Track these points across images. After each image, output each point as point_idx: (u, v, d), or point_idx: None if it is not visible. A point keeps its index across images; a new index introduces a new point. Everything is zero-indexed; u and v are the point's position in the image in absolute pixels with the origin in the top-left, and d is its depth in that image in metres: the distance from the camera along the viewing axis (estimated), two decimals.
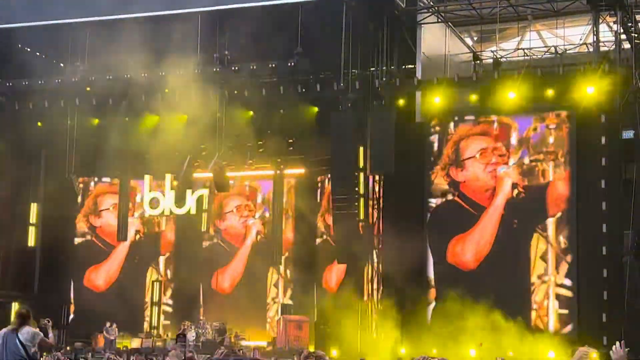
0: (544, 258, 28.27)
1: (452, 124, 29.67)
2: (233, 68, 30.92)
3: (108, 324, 31.99)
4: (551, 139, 28.70)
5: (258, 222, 36.16)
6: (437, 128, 29.92)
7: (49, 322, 14.39)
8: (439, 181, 29.61)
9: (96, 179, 37.23)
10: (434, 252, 29.37)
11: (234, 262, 35.98)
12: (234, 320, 33.21)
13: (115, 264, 36.81)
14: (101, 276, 36.71)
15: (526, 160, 28.80)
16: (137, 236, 36.88)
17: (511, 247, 28.68)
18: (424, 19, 29.86)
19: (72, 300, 36.14)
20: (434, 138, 29.88)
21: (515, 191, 28.76)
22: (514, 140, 29.03)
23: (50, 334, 12.85)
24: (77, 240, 36.90)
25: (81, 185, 36.80)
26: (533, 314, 27.96)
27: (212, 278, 35.80)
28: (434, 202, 29.64)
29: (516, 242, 28.62)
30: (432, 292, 29.21)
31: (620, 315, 26.14)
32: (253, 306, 34.47)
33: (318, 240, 34.16)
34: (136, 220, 36.76)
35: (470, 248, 29.00)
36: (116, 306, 33.97)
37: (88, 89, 32.56)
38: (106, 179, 37.08)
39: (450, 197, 29.50)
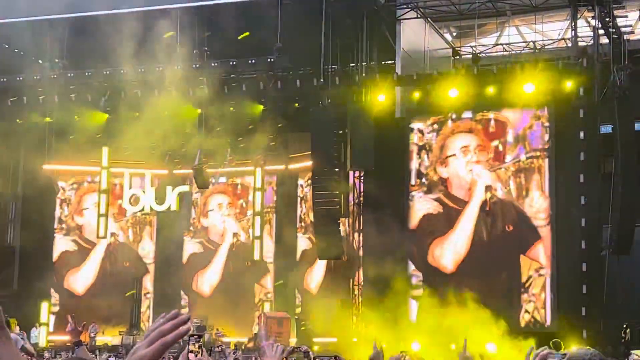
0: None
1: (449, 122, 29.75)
2: (212, 64, 30.84)
3: (93, 324, 31.96)
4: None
5: (235, 220, 36.09)
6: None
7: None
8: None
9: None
10: (418, 252, 29.53)
11: (215, 261, 35.90)
12: (216, 318, 33.16)
13: (96, 262, 36.67)
14: (82, 274, 36.54)
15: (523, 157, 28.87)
16: (117, 235, 36.75)
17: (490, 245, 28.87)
18: (403, 14, 29.91)
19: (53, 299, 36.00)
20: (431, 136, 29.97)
21: (489, 194, 28.88)
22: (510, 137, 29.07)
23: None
24: (59, 239, 36.68)
25: (61, 183, 36.63)
26: (512, 309, 28.08)
27: (194, 276, 35.74)
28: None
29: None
30: (414, 288, 29.33)
31: (599, 309, 26.32)
32: (234, 304, 34.44)
33: (299, 237, 34.16)
34: (117, 219, 36.67)
35: (448, 251, 29.21)
36: (99, 304, 33.93)
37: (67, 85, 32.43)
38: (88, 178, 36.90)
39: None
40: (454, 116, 29.58)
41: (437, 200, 29.46)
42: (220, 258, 35.89)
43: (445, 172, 29.45)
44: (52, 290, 35.89)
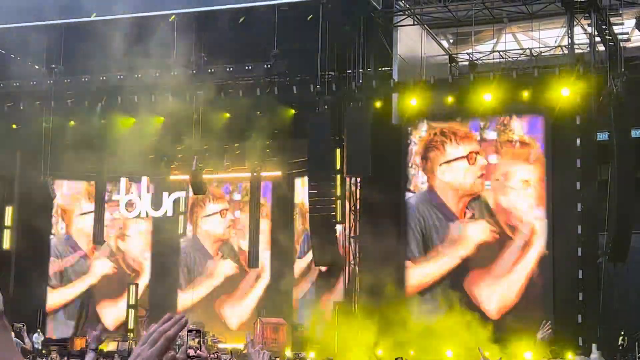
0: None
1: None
2: (209, 70, 30.82)
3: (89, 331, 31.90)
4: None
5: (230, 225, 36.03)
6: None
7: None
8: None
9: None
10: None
11: (210, 266, 35.85)
12: (211, 323, 33.13)
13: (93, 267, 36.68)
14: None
15: None
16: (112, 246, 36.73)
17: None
18: (400, 21, 29.89)
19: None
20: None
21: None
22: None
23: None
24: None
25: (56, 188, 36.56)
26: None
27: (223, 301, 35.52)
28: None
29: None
30: (411, 294, 29.27)
31: (595, 316, 26.29)
32: (231, 309, 34.40)
33: (295, 243, 34.10)
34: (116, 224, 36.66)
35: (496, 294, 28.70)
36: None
37: (63, 90, 32.40)
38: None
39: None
40: (454, 121, 29.60)
41: (490, 222, 29.04)
42: (217, 266, 35.68)
43: (506, 201, 29.09)
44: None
